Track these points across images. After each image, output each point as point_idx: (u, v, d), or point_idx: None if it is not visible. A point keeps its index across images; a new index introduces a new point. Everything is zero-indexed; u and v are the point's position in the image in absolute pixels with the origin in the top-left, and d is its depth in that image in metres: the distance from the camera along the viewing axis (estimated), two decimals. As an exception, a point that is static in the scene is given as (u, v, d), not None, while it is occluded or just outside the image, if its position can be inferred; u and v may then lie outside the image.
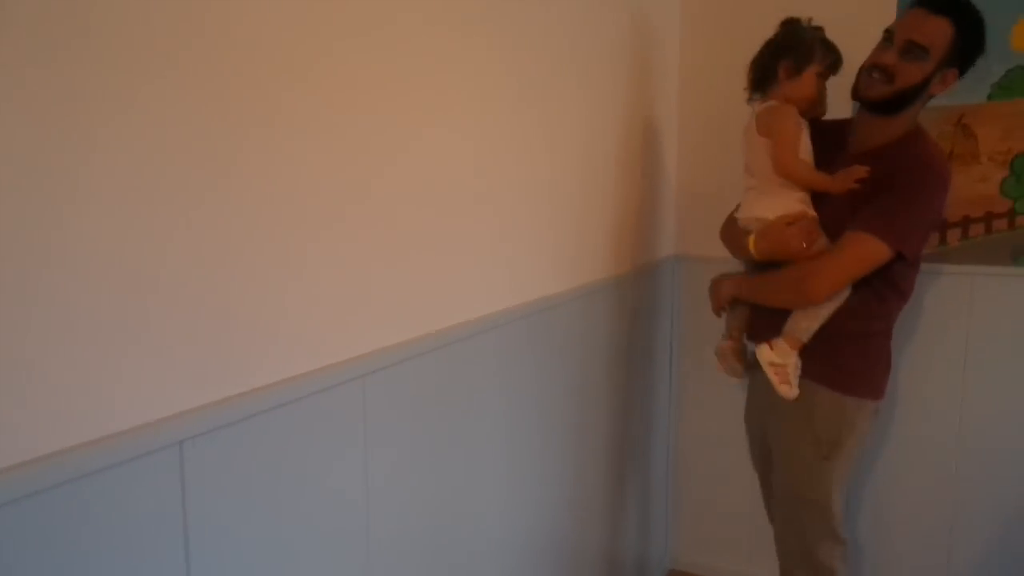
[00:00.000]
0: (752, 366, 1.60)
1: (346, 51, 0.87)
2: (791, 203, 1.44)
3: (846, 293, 1.42)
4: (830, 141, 1.49)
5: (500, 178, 1.22)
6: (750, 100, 1.51)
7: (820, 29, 1.44)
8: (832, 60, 1.44)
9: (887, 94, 1.38)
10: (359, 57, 0.89)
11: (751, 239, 1.48)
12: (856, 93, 1.44)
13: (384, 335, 0.97)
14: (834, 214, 1.42)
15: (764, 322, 1.52)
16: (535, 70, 1.31)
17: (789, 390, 1.46)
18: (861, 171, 1.39)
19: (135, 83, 0.64)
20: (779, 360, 1.46)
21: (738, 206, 1.57)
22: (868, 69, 1.41)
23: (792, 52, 1.42)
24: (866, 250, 1.36)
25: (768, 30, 1.49)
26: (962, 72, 1.40)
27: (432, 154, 1.04)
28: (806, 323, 1.44)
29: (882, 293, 1.44)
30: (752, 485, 1.78)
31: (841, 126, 1.53)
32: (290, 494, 0.84)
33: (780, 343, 1.47)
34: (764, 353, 1.49)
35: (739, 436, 1.81)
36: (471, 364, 1.17)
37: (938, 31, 1.34)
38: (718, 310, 1.65)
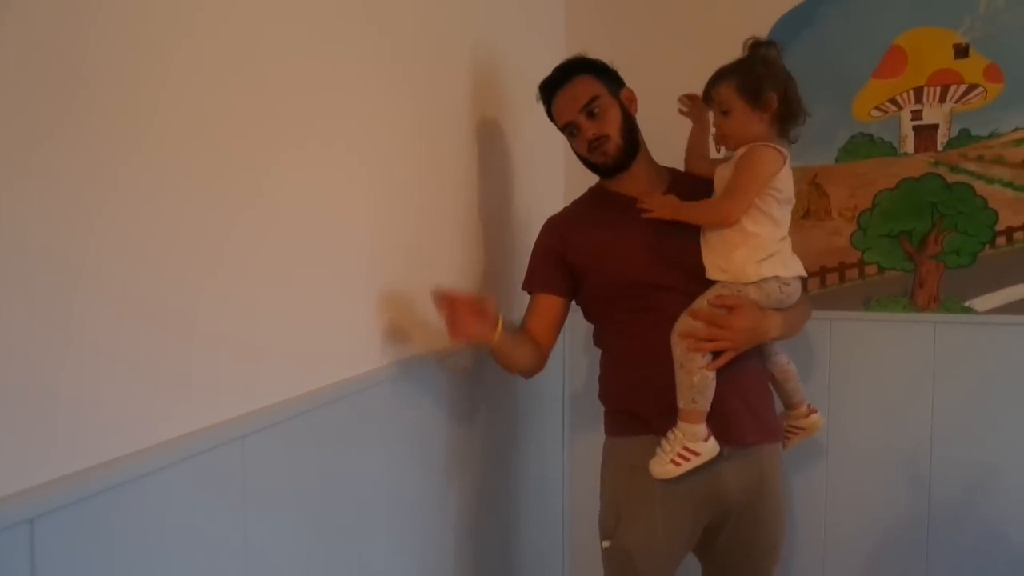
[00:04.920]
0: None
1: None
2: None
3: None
4: (615, 214, 1.48)
5: (382, 241, 1.23)
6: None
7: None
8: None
9: (620, 144, 1.45)
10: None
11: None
12: (603, 169, 1.48)
13: (264, 394, 0.94)
14: (680, 248, 1.41)
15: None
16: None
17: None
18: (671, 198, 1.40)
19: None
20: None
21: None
22: (590, 148, 1.45)
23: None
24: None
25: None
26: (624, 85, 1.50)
27: (315, 206, 1.04)
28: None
29: None
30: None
31: (595, 202, 1.54)
32: (161, 569, 0.78)
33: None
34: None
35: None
36: (354, 423, 1.15)
37: (585, 83, 1.44)
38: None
